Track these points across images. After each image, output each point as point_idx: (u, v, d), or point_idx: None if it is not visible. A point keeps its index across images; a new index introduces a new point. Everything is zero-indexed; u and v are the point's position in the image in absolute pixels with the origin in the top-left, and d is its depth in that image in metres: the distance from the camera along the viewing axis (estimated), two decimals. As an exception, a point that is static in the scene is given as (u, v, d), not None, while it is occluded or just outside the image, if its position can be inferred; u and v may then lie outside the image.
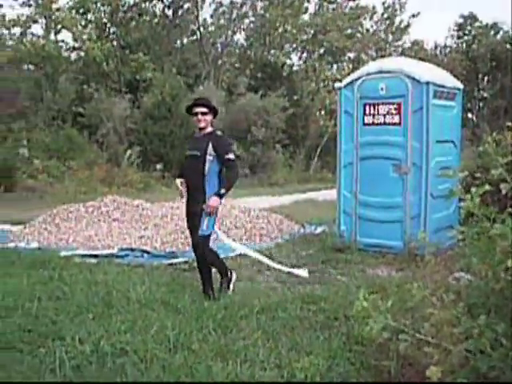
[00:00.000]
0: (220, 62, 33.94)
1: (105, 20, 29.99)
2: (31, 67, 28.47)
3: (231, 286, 5.95)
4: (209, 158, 5.60)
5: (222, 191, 5.53)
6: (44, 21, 29.26)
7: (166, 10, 31.89)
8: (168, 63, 26.47)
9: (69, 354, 4.11)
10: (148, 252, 8.03)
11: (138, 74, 27.40)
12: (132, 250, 8.12)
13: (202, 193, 5.62)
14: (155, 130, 22.97)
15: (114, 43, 28.95)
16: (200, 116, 5.73)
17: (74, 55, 30.21)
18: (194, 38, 34.06)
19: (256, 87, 28.28)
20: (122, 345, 4.26)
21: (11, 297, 5.52)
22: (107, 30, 30.30)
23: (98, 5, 29.22)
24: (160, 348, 4.24)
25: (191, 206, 5.76)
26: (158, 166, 21.90)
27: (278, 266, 7.19)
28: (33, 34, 29.28)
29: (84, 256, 7.71)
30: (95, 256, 7.69)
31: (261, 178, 24.92)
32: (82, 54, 28.46)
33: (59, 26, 28.62)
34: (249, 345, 4.35)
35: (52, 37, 29.11)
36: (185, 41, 34.29)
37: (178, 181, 5.88)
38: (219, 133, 5.94)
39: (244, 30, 34.90)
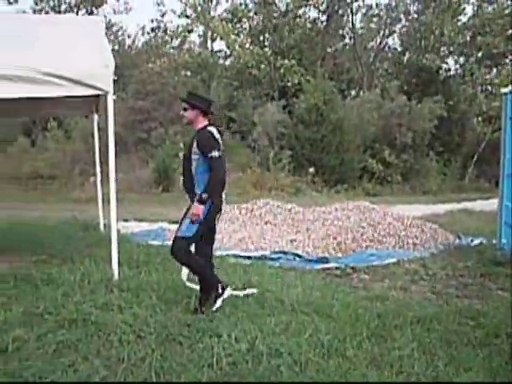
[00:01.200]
0: (373, 67, 33.53)
1: (258, 27, 30.74)
2: (188, 73, 29.94)
3: (219, 301, 5.29)
4: (194, 156, 5.23)
5: (204, 196, 5.08)
6: (201, 29, 30.68)
7: (320, 15, 32.05)
8: (320, 68, 26.54)
9: (225, 351, 4.22)
10: (300, 256, 8.07)
11: (286, 79, 27.76)
12: (284, 253, 8.20)
13: (194, 194, 5.26)
14: (307, 134, 23.11)
15: (267, 49, 29.55)
16: (181, 112, 5.49)
17: (227, 62, 31.36)
18: (346, 42, 33.98)
19: (410, 92, 27.57)
20: (276, 346, 4.31)
21: (171, 292, 5.79)
22: (260, 36, 31.02)
23: (251, 13, 30.08)
24: (314, 352, 4.24)
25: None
26: (311, 170, 22.00)
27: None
28: (190, 42, 30.88)
29: (238, 257, 7.90)
30: (248, 257, 7.86)
31: (413, 185, 24.26)
32: (236, 60, 29.36)
33: (215, 35, 29.84)
34: (404, 356, 4.23)
35: (208, 45, 30.44)
36: (337, 46, 34.23)
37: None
38: (209, 128, 5.33)
39: (397, 34, 34.22)
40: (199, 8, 29.86)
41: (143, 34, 34.54)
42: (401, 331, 4.79)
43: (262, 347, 4.29)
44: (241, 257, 7.91)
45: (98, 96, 7.21)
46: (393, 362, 4.10)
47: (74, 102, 8.15)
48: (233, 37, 27.72)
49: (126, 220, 11.62)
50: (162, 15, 33.18)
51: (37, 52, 6.28)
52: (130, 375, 3.91)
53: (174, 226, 10.40)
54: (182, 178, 5.52)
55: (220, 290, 5.33)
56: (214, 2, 31.20)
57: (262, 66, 27.79)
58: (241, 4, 30.26)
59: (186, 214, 5.29)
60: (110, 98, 6.04)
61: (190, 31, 30.58)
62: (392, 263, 7.71)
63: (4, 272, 6.47)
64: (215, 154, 5.10)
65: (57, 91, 5.90)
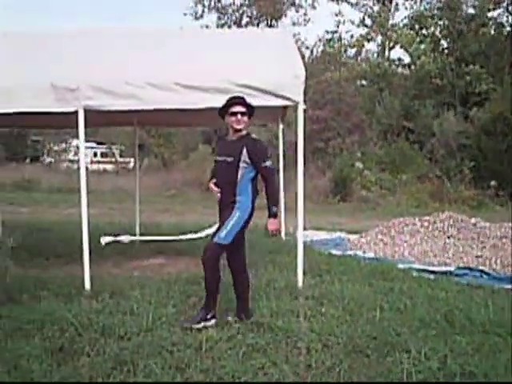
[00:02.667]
0: None
1: (439, 34, 29.75)
2: (363, 82, 29.77)
3: (201, 324, 5.00)
4: (242, 165, 5.01)
5: (274, 210, 5.00)
6: (379, 38, 30.34)
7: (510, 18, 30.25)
8: (507, 75, 25.06)
9: (416, 367, 4.09)
10: (488, 273, 7.63)
11: (471, 87, 26.54)
12: (470, 269, 7.81)
13: (234, 202, 5.05)
14: (490, 145, 21.89)
15: (449, 57, 28.49)
16: (239, 116, 5.13)
17: (406, 71, 30.66)
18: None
19: None
20: (470, 368, 4.09)
21: (355, 303, 5.74)
22: (443, 43, 30.00)
23: (434, 19, 29.16)
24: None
25: (223, 216, 5.14)
26: (492, 183, 20.81)
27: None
28: (367, 51, 30.70)
29: (421, 271, 7.66)
30: (432, 272, 7.58)
31: None
32: (418, 69, 28.62)
33: (392, 43, 29.36)
34: None
35: (386, 53, 30.03)
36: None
37: (212, 184, 5.23)
38: (254, 136, 5.25)
39: None
40: (378, 17, 29.63)
41: (320, 44, 34.89)
42: None
43: (455, 366, 4.10)
44: (424, 271, 7.65)
45: (283, 106, 7.41)
46: None
47: (259, 112, 8.39)
48: (415, 45, 27.10)
49: (304, 228, 11.75)
50: (338, 25, 33.31)
51: (230, 64, 6.59)
52: (318, 383, 3.94)
53: (354, 236, 10.46)
54: (211, 183, 5.26)
55: (209, 316, 5.08)
56: (393, 10, 30.80)
57: (445, 73, 26.83)
58: (425, 9, 29.48)
59: (223, 220, 5.11)
60: (301, 109, 6.16)
61: (368, 40, 30.44)
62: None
63: (195, 274, 6.80)
64: (268, 164, 5.03)
65: (251, 102, 6.12)
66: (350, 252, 9.13)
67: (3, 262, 5.01)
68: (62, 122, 8.27)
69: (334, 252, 8.94)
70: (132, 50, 7.05)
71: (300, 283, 6.34)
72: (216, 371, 4.07)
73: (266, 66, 6.50)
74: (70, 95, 6.12)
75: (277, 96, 6.16)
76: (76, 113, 6.15)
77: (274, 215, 5.03)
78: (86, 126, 6.19)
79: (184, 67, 6.53)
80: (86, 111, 6.17)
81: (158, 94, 5.97)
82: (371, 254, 8.98)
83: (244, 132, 5.19)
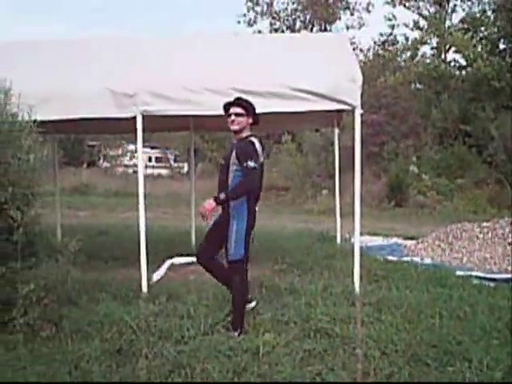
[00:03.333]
0: None
1: (497, 35, 29.00)
2: (418, 86, 29.30)
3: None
4: (232, 167, 4.87)
5: (222, 196, 4.75)
6: (435, 41, 29.83)
7: None
8: None
9: (478, 377, 3.98)
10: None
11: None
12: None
13: (228, 206, 4.92)
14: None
15: (505, 59, 27.72)
16: (233, 117, 4.97)
17: (463, 73, 30.01)
18: None
19: None
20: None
21: (413, 310, 5.63)
22: (499, 44, 29.25)
23: (490, 21, 28.46)
24: None
25: (225, 227, 5.00)
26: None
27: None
28: (422, 55, 30.21)
29: (481, 278, 7.46)
30: (493, 279, 7.38)
31: None
32: (474, 71, 27.97)
33: (448, 46, 28.81)
34: None
35: (442, 56, 29.47)
36: None
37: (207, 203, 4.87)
38: (251, 139, 4.99)
39: None
40: (434, 19, 29.11)
41: (375, 48, 34.53)
42: None
43: (521, 379, 3.98)
44: (484, 279, 7.45)
45: (339, 110, 7.37)
46: None
47: (314, 116, 8.38)
48: (471, 48, 26.49)
49: (360, 234, 11.64)
50: (393, 28, 32.85)
51: (286, 68, 6.58)
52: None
53: (410, 242, 10.29)
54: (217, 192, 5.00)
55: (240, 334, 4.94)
56: (450, 11, 30.23)
57: (503, 76, 26.10)
58: (483, 11, 28.81)
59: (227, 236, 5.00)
60: (358, 113, 6.10)
61: (423, 43, 29.93)
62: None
63: (250, 279, 6.82)
64: (251, 164, 4.74)
65: (306, 106, 6.14)
66: (406, 258, 8.97)
67: (65, 266, 5.12)
68: (119, 128, 8.45)
69: (390, 258, 8.80)
70: (187, 56, 7.12)
71: (357, 289, 6.27)
72: (273, 376, 4.06)
73: (323, 70, 6.46)
74: (128, 101, 6.23)
75: (333, 100, 6.12)
76: (134, 118, 6.25)
77: (215, 198, 4.82)
78: (143, 131, 6.28)
79: (240, 72, 6.56)
80: (144, 117, 6.26)
81: (214, 99, 6.00)
82: (428, 260, 8.81)
83: (244, 134, 5.04)
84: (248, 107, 5.05)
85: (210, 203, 4.79)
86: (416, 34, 30.72)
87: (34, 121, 5.18)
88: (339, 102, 6.12)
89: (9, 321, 4.83)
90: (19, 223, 4.79)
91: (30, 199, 5.07)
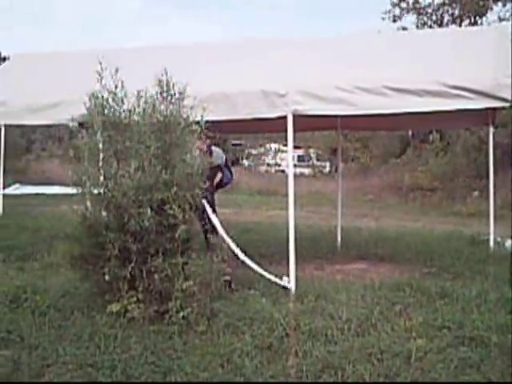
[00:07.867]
0: None
1: None
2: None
3: None
4: None
5: None
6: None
7: None
8: None
9: None
10: None
11: None
12: None
13: None
14: None
15: None
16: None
17: None
18: None
19: None
20: None
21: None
22: None
23: None
24: None
25: None
26: None
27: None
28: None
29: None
30: None
31: None
32: None
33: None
34: None
35: None
36: None
37: None
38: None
39: None
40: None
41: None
42: None
43: None
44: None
45: (494, 108, 6.99)
46: None
47: (466, 114, 8.01)
48: None
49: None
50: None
51: (439, 65, 6.36)
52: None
53: None
54: None
55: None
56: None
57: None
58: None
59: None
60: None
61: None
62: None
63: (399, 281, 6.68)
64: None
65: (463, 104, 5.87)
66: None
67: (219, 263, 5.32)
68: (267, 127, 8.59)
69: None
70: (334, 55, 7.12)
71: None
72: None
73: (479, 66, 6.15)
74: (279, 100, 6.29)
75: (491, 97, 5.80)
76: (285, 118, 6.31)
77: None
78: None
79: (390, 70, 6.42)
80: (294, 116, 6.31)
81: (367, 98, 5.91)
82: None
83: None
84: None
85: None
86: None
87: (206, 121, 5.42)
88: (497, 98, 5.79)
89: (164, 312, 5.09)
90: (181, 221, 5.02)
91: (190, 200, 5.28)
